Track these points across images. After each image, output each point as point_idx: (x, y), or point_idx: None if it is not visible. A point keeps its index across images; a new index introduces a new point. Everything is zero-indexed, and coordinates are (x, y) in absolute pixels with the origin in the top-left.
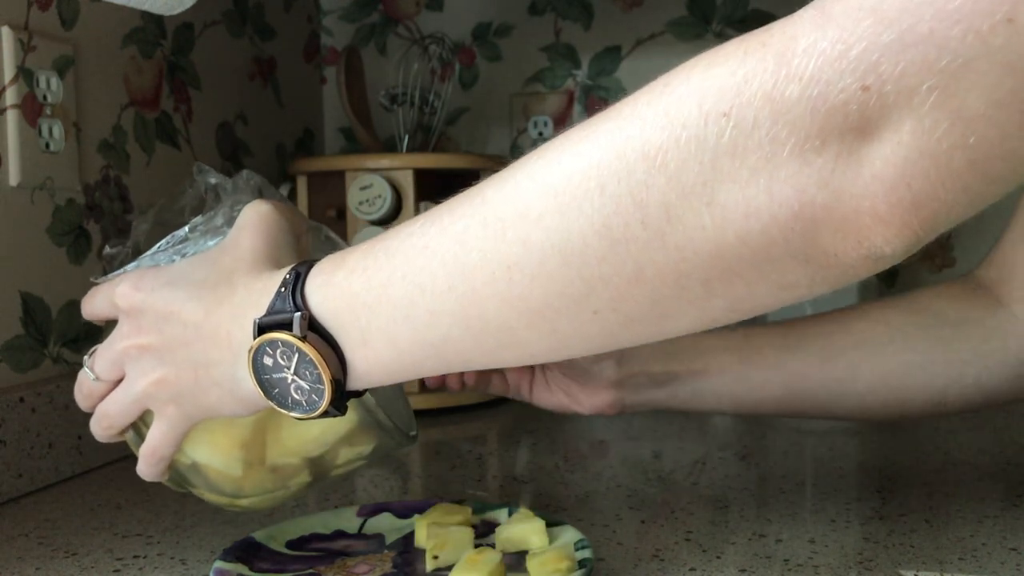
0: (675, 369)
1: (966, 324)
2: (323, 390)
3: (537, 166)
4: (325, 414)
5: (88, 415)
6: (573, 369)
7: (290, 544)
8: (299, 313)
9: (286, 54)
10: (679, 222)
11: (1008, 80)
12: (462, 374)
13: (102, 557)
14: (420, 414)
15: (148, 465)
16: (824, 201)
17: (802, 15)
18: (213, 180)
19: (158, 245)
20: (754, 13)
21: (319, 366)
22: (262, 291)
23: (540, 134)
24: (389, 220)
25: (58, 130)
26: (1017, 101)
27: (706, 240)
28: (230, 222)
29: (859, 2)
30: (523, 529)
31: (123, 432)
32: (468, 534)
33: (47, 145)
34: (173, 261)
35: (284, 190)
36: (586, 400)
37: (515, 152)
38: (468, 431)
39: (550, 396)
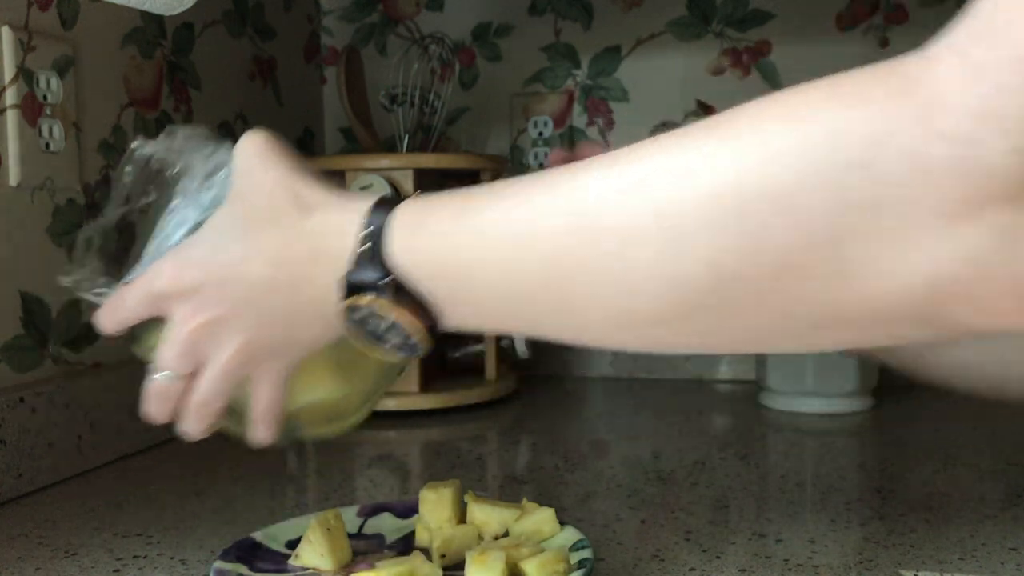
0: None
1: None
2: (417, 344)
3: (647, 181)
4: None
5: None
6: None
7: (290, 544)
8: (389, 277)
9: (286, 54)
10: (798, 270)
11: None
12: None
13: (102, 557)
14: (420, 414)
15: (266, 426)
16: (964, 276)
17: (947, 60)
18: (148, 151)
19: (159, 226)
20: (754, 13)
21: (410, 329)
22: (336, 232)
23: (540, 134)
24: None
25: (58, 130)
26: None
27: (823, 291)
28: (212, 172)
29: (1010, 53)
30: (535, 520)
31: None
32: (474, 532)
33: (47, 145)
34: (192, 232)
35: None
36: None
37: (515, 152)
38: (468, 431)
39: None
